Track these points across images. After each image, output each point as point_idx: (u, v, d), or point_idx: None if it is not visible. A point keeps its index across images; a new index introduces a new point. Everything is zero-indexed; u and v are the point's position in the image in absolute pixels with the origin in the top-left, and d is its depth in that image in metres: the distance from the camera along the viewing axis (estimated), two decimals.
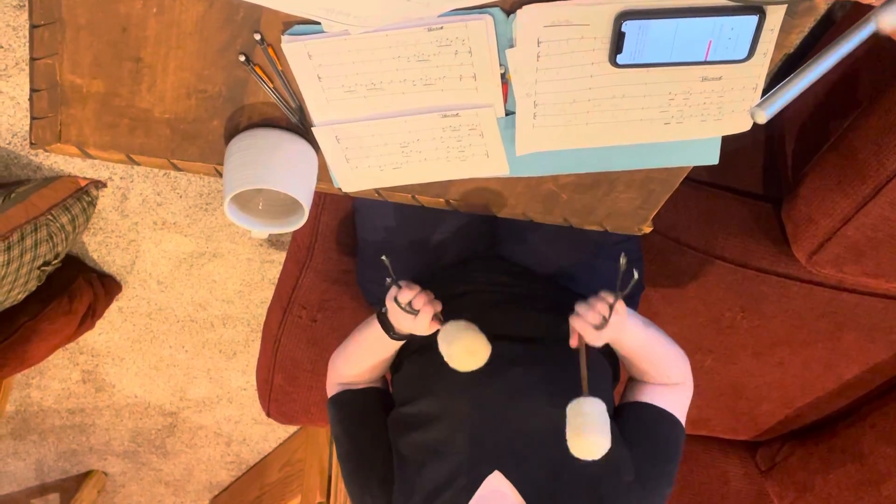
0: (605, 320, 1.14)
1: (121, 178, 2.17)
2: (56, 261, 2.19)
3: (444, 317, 1.21)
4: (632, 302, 1.51)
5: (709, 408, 2.03)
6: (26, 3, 1.78)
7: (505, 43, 0.96)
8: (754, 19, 0.91)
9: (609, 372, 1.35)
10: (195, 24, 0.95)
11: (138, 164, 1.13)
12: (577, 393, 1.19)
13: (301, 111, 1.06)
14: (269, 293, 2.54)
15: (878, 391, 1.93)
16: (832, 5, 0.96)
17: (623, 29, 0.92)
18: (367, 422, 1.33)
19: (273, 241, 2.40)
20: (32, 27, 0.96)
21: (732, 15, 0.91)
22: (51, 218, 2.05)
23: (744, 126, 1.07)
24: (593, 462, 1.17)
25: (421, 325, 1.20)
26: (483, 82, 1.01)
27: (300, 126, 1.08)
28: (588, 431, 1.10)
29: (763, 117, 0.82)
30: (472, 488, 1.15)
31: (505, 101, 1.04)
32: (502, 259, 1.47)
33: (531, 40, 0.95)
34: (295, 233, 1.73)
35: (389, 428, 1.29)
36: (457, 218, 1.39)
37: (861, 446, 1.89)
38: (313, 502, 2.73)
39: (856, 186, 1.41)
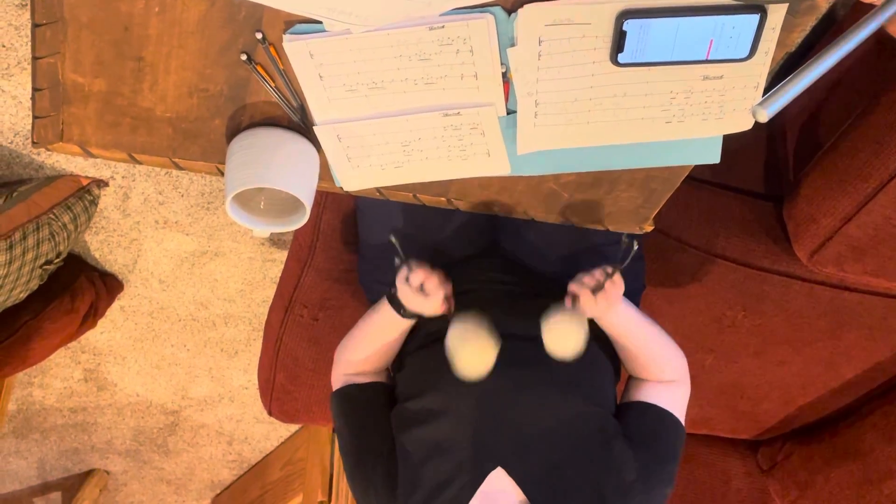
0: (602, 287, 1.17)
1: (122, 177, 2.17)
2: (58, 260, 2.19)
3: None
4: (633, 300, 1.51)
5: (710, 407, 2.03)
6: (28, 3, 1.78)
7: (506, 42, 0.96)
8: (756, 18, 0.92)
9: (610, 371, 1.35)
10: (197, 24, 0.96)
11: (140, 163, 1.13)
12: (580, 392, 1.20)
13: (302, 110, 1.06)
14: (271, 292, 2.55)
15: (879, 390, 1.93)
16: (833, 4, 0.96)
17: (624, 28, 0.92)
18: (371, 417, 1.33)
19: (274, 240, 2.40)
20: (35, 26, 0.96)
21: (734, 14, 0.91)
22: (53, 217, 2.05)
23: (745, 125, 1.07)
24: (595, 461, 1.17)
25: (433, 305, 1.21)
26: (484, 81, 1.01)
27: (302, 125, 1.08)
28: (563, 325, 1.17)
29: (764, 116, 0.82)
30: (475, 485, 1.15)
31: (506, 99, 1.04)
32: (504, 257, 1.47)
33: (532, 39, 0.95)
34: (296, 232, 1.73)
35: (393, 423, 1.29)
36: (458, 217, 1.40)
37: (862, 445, 1.89)
38: (315, 501, 2.73)
39: (857, 185, 1.41)
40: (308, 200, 1.07)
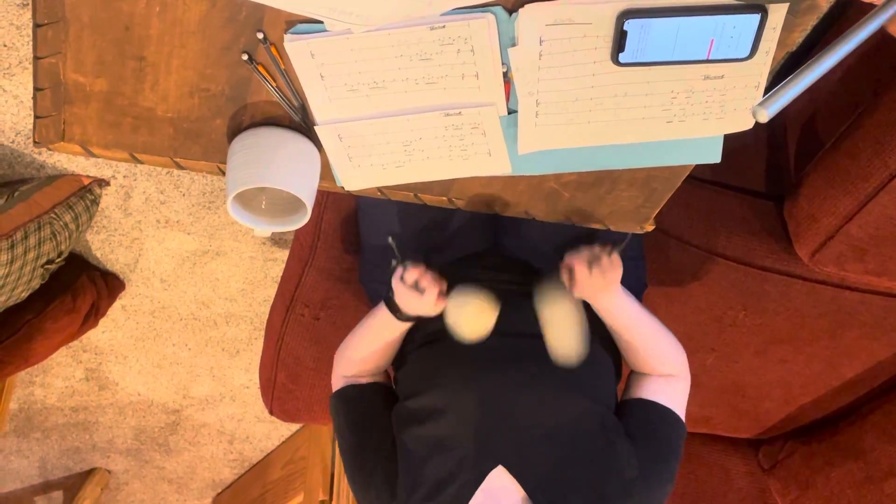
0: (598, 261, 1.19)
1: (124, 177, 2.17)
2: (59, 259, 2.20)
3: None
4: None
5: (711, 406, 2.03)
6: (30, 2, 1.78)
7: (507, 42, 0.96)
8: (756, 18, 0.92)
9: (611, 369, 1.35)
10: (198, 23, 0.96)
11: (142, 162, 1.13)
12: (582, 389, 1.20)
13: (304, 110, 1.06)
14: (272, 291, 2.55)
15: (880, 389, 1.93)
16: (834, 3, 0.96)
17: (625, 27, 0.92)
18: (371, 416, 1.33)
19: (276, 240, 2.40)
20: (36, 26, 0.96)
21: (734, 13, 0.91)
22: (54, 216, 2.06)
23: (746, 124, 1.07)
24: (596, 459, 1.18)
25: (427, 302, 1.22)
26: (485, 81, 1.01)
27: (303, 125, 1.08)
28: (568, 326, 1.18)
29: (765, 116, 0.82)
30: (476, 483, 1.15)
31: (507, 99, 1.04)
32: (504, 257, 1.47)
33: (533, 39, 0.95)
34: (298, 231, 1.73)
35: (394, 422, 1.29)
36: (459, 216, 1.40)
37: (863, 444, 1.89)
38: (316, 500, 2.73)
39: (858, 185, 1.41)
40: (309, 200, 1.08)
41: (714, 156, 1.13)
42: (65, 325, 2.38)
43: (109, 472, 3.59)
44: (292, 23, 0.95)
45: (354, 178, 1.17)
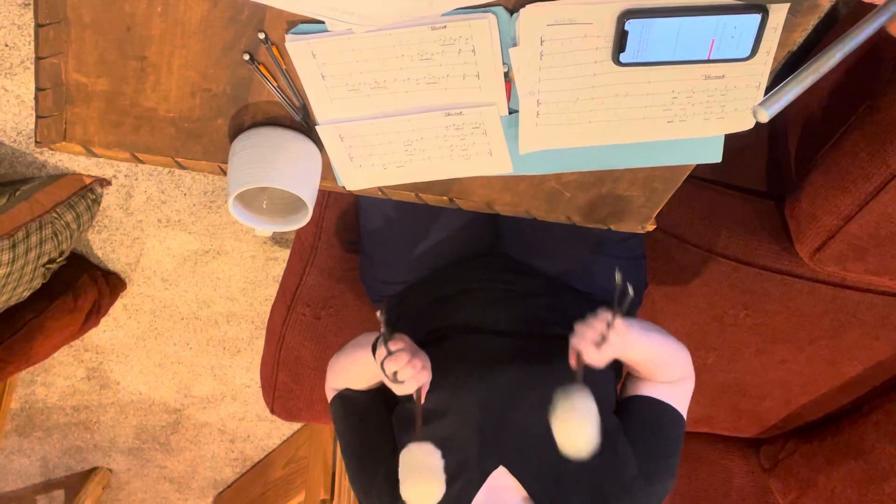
0: (604, 338, 1.12)
1: (125, 176, 2.18)
2: (61, 258, 2.20)
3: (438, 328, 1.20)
4: (635, 300, 1.52)
5: (712, 405, 2.03)
6: (31, 2, 1.78)
7: (508, 42, 0.96)
8: (757, 18, 0.92)
9: (611, 368, 1.35)
10: (200, 24, 0.96)
11: (143, 162, 1.13)
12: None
13: (305, 110, 1.06)
14: (273, 291, 2.55)
15: (881, 389, 1.93)
16: (835, 3, 0.96)
17: (626, 28, 0.92)
18: (371, 417, 1.33)
19: (277, 239, 2.41)
20: (38, 26, 0.96)
21: (735, 13, 0.91)
22: (55, 216, 2.06)
23: (747, 124, 1.07)
24: (596, 458, 1.18)
25: (402, 392, 1.16)
26: (486, 81, 1.01)
27: (304, 125, 1.08)
28: (578, 423, 1.08)
29: (765, 116, 0.82)
30: (477, 483, 1.16)
31: (508, 99, 1.04)
32: (506, 256, 1.47)
33: (534, 39, 0.95)
34: (299, 230, 1.73)
35: (394, 423, 1.29)
36: (460, 216, 1.40)
37: (864, 444, 1.89)
38: (317, 499, 2.74)
39: (859, 184, 1.41)
40: (310, 200, 1.08)
41: (715, 155, 1.13)
42: (66, 325, 2.38)
43: (111, 471, 3.59)
44: (294, 23, 0.95)
45: (355, 178, 1.17)
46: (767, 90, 1.02)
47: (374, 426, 1.31)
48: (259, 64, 1.00)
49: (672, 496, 1.26)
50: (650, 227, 1.30)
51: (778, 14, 0.93)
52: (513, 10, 0.93)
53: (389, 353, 1.12)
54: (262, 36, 0.97)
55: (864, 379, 1.90)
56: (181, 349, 2.85)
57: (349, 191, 1.19)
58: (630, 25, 0.92)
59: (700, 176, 1.68)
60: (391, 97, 1.03)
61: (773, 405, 2.02)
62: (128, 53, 0.99)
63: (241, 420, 3.25)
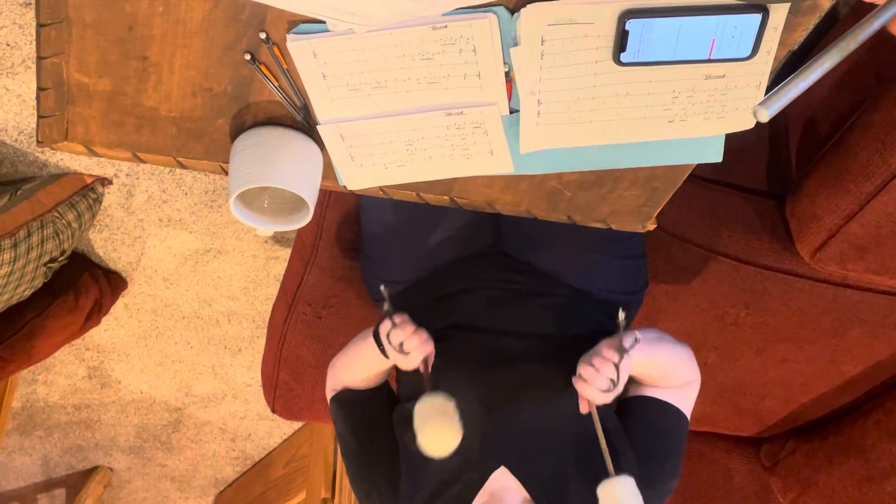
0: (614, 384, 1.12)
1: (126, 176, 2.18)
2: (62, 257, 2.20)
3: (441, 325, 1.21)
4: (636, 299, 1.52)
5: (713, 404, 2.03)
6: (32, 1, 1.79)
7: (509, 41, 0.96)
8: (758, 17, 0.92)
9: None
10: (201, 23, 0.96)
11: (144, 162, 1.13)
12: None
13: (306, 109, 1.06)
14: (274, 290, 2.55)
15: (881, 388, 1.93)
16: (835, 3, 0.97)
17: (627, 27, 0.93)
18: (372, 417, 1.34)
19: (278, 238, 2.41)
20: (39, 26, 0.96)
21: (736, 13, 0.91)
22: (57, 215, 2.06)
23: (747, 124, 1.08)
24: (598, 459, 1.18)
25: (408, 365, 1.19)
26: (487, 81, 1.01)
27: (305, 124, 1.08)
28: None
29: (765, 116, 0.82)
30: (478, 483, 1.16)
31: (509, 99, 1.04)
32: (506, 256, 1.47)
33: (535, 39, 0.95)
34: (300, 230, 1.73)
35: (395, 423, 1.29)
36: (461, 215, 1.40)
37: (864, 443, 1.89)
38: (318, 498, 2.74)
39: (859, 183, 1.41)
40: (312, 199, 1.08)
41: (715, 155, 1.13)
42: (67, 324, 2.38)
43: (112, 469, 3.60)
44: (295, 23, 0.95)
45: (357, 178, 1.17)
46: (768, 90, 1.02)
47: (374, 427, 1.32)
48: (260, 64, 1.01)
49: (673, 495, 1.27)
50: (651, 227, 1.30)
51: (778, 14, 0.93)
52: (514, 10, 0.93)
53: (394, 325, 1.16)
54: (263, 36, 0.97)
55: (865, 378, 1.90)
56: (182, 348, 2.85)
57: (350, 190, 1.20)
58: (631, 25, 0.92)
59: (701, 175, 1.68)
60: (392, 97, 1.03)
61: (773, 404, 2.03)
62: (129, 53, 0.99)
63: (242, 419, 3.26)
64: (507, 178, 1.19)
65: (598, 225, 1.30)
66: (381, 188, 1.20)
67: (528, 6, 0.92)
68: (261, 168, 1.05)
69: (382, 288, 1.19)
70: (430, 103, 1.04)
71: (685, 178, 1.21)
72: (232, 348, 2.85)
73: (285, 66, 1.00)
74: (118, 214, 2.29)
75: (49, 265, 2.16)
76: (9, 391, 2.81)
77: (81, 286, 2.36)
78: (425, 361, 1.19)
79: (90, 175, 2.15)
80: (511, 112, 1.06)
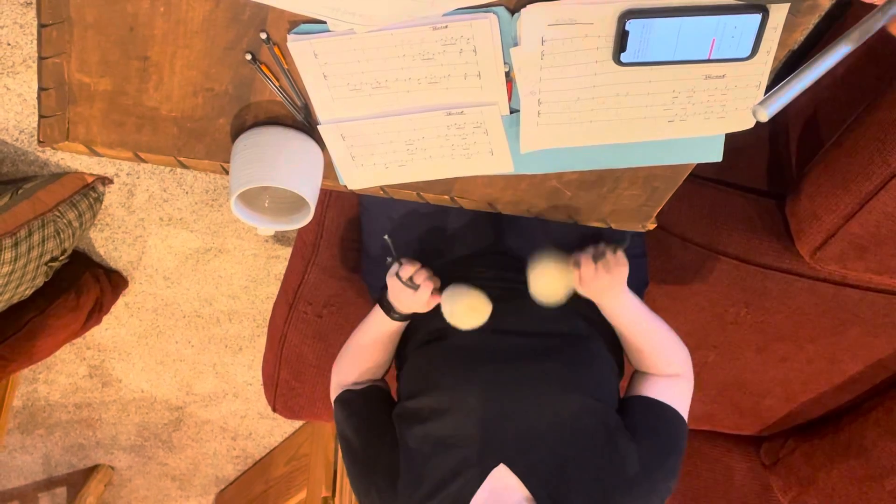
0: (603, 254, 1.21)
1: (127, 175, 2.18)
2: (63, 256, 2.20)
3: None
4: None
5: (713, 403, 2.03)
6: (33, 1, 1.79)
7: (509, 42, 0.96)
8: (757, 18, 0.92)
9: (612, 366, 1.36)
10: (202, 23, 0.96)
11: (146, 161, 1.14)
12: (584, 387, 1.21)
13: (307, 109, 1.06)
14: (275, 289, 2.55)
15: (881, 387, 1.93)
16: (835, 3, 0.97)
17: (627, 27, 0.93)
18: (371, 417, 1.34)
19: (279, 238, 2.41)
20: (41, 26, 0.96)
21: (736, 13, 0.92)
22: (58, 214, 2.06)
23: (747, 123, 1.08)
24: (598, 456, 1.18)
25: (421, 298, 1.25)
26: (487, 81, 1.01)
27: (306, 124, 1.08)
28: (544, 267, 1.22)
29: (765, 116, 0.82)
30: (478, 481, 1.16)
31: (509, 99, 1.04)
32: (507, 255, 1.47)
33: (535, 39, 0.95)
34: (301, 229, 1.73)
35: (396, 422, 1.29)
36: (461, 214, 1.40)
37: (864, 442, 1.89)
38: (319, 497, 2.74)
39: (859, 183, 1.41)
40: (312, 199, 1.08)
41: (715, 155, 1.14)
42: (68, 323, 2.39)
43: (113, 468, 3.60)
44: (295, 23, 0.96)
45: (357, 177, 1.17)
46: (767, 90, 1.02)
47: (375, 426, 1.32)
48: (261, 63, 1.01)
49: (674, 493, 1.27)
50: (651, 226, 1.31)
51: (778, 14, 0.93)
52: (514, 10, 0.93)
53: (401, 265, 1.25)
54: (264, 36, 0.97)
55: (865, 377, 1.91)
56: (183, 347, 2.85)
57: (351, 190, 1.20)
58: (631, 25, 0.92)
59: (701, 175, 1.68)
60: (393, 97, 1.03)
61: (773, 403, 2.03)
62: (130, 53, 0.99)
63: (243, 418, 3.26)
64: (507, 177, 1.19)
65: (599, 224, 1.30)
66: (381, 188, 1.20)
67: (528, 6, 0.92)
68: (261, 168, 1.06)
69: (387, 237, 1.26)
70: (430, 103, 1.04)
71: (685, 177, 1.21)
72: (233, 347, 2.85)
73: (286, 66, 1.01)
74: (119, 213, 2.30)
75: (50, 264, 2.16)
76: (10, 390, 2.81)
77: (82, 285, 2.36)
78: (436, 291, 1.27)
79: (91, 174, 2.15)
80: (511, 112, 1.06)
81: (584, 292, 1.26)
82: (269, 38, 0.97)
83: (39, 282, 2.19)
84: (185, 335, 2.79)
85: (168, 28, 0.97)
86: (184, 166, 1.15)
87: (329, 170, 1.16)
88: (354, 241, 1.64)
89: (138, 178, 2.19)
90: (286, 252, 2.45)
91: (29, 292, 2.19)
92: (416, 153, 1.12)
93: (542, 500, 1.13)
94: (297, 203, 1.14)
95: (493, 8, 0.93)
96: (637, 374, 1.37)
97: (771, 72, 1.01)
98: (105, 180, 2.18)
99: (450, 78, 1.01)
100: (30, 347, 2.33)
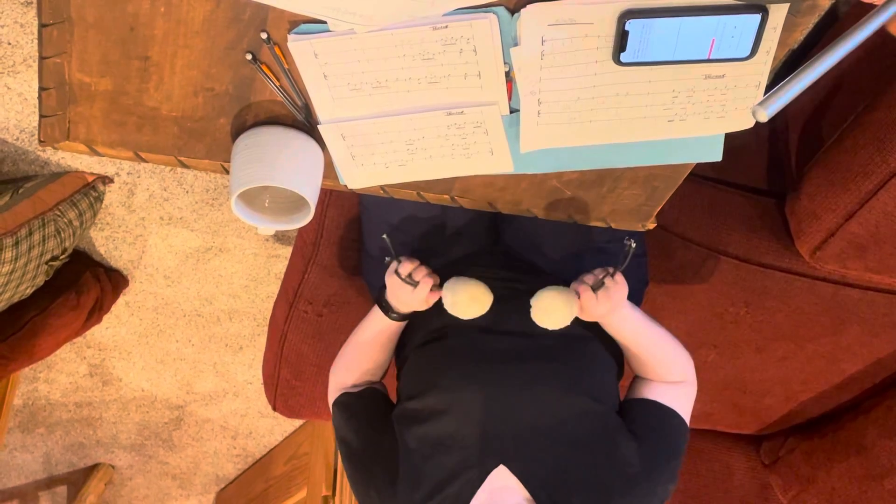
0: (603, 284, 1.21)
1: (128, 174, 2.18)
2: (63, 256, 2.21)
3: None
4: (636, 297, 1.52)
5: (713, 402, 2.03)
6: (34, 0, 1.79)
7: (509, 41, 0.97)
8: (757, 18, 0.92)
9: (613, 367, 1.36)
10: (202, 23, 0.96)
11: (146, 161, 1.14)
12: (584, 388, 1.21)
13: (307, 109, 1.06)
14: (275, 288, 2.56)
15: (880, 386, 1.93)
16: (835, 2, 0.97)
17: (626, 27, 0.93)
18: (371, 418, 1.34)
19: (279, 237, 2.41)
20: (42, 26, 0.97)
21: (735, 13, 0.92)
22: (58, 213, 2.06)
23: (747, 123, 1.08)
24: (599, 458, 1.18)
25: (420, 295, 1.25)
26: (487, 80, 1.01)
27: (306, 124, 1.08)
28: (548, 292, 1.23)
29: (764, 116, 0.82)
30: (478, 481, 1.16)
31: (509, 98, 1.04)
32: (507, 255, 1.48)
33: (535, 39, 0.95)
34: (301, 228, 1.74)
35: (395, 422, 1.29)
36: (462, 214, 1.40)
37: (864, 440, 1.90)
38: (319, 496, 2.74)
39: (859, 182, 1.42)
40: (313, 199, 1.08)
41: (715, 154, 1.14)
42: (69, 322, 2.39)
43: (113, 467, 3.60)
44: (296, 23, 0.96)
45: (357, 177, 1.17)
46: (767, 89, 1.02)
47: (375, 428, 1.32)
48: (261, 63, 1.01)
49: (673, 493, 1.27)
50: (651, 226, 1.31)
51: (778, 14, 0.93)
52: (514, 10, 0.93)
53: (400, 262, 1.26)
54: (264, 36, 0.97)
55: (864, 376, 1.91)
56: (183, 346, 2.85)
57: (351, 189, 1.20)
58: (630, 25, 0.93)
59: (700, 174, 1.69)
60: (393, 96, 1.03)
61: (773, 402, 2.03)
62: (131, 53, 0.99)
63: (244, 416, 3.26)
64: (507, 177, 1.19)
65: (599, 224, 1.30)
66: (381, 187, 1.20)
67: (528, 6, 0.92)
68: (262, 167, 1.06)
69: (384, 236, 1.26)
70: (430, 103, 1.04)
71: (685, 177, 1.21)
72: (233, 346, 2.85)
73: (286, 66, 1.01)
74: (119, 213, 2.30)
75: (50, 263, 2.16)
76: (10, 389, 2.81)
77: (83, 284, 2.36)
78: (435, 287, 1.28)
79: (91, 173, 2.15)
80: (511, 112, 1.06)
81: (587, 318, 1.27)
82: (269, 38, 0.98)
83: (40, 281, 2.19)
84: (186, 334, 2.80)
85: (169, 28, 0.97)
86: (184, 166, 1.15)
87: (329, 169, 1.16)
88: (355, 240, 1.65)
89: (139, 177, 2.19)
90: (286, 251, 2.45)
91: (29, 291, 2.19)
92: (416, 153, 1.12)
93: (541, 502, 1.13)
94: (298, 202, 1.15)
95: (493, 8, 0.93)
96: (639, 379, 1.37)
97: (771, 72, 1.01)
98: (105, 179, 2.18)
99: (450, 78, 1.01)
100: (30, 346, 2.33)
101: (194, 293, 2.61)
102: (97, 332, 2.77)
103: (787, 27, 0.96)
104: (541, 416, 1.20)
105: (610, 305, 1.22)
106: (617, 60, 0.97)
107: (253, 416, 3.26)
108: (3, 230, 1.93)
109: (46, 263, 2.14)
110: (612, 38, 0.96)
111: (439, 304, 1.30)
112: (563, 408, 1.21)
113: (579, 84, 1.01)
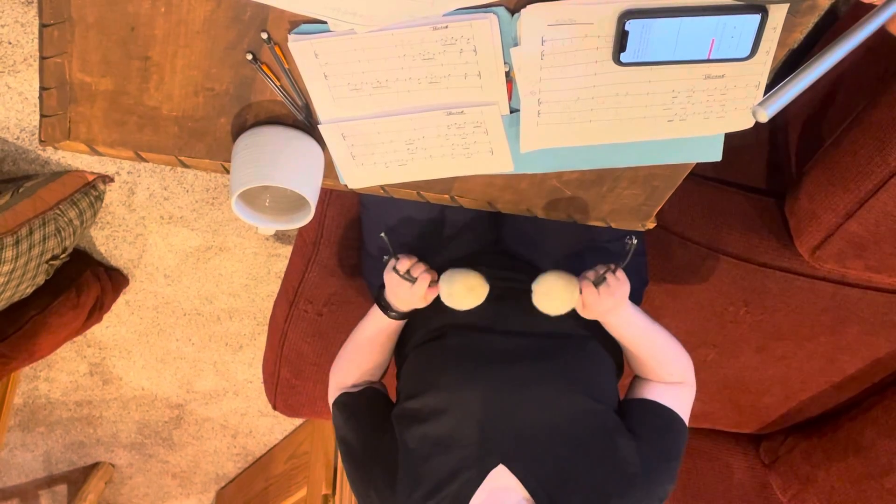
0: (605, 279, 1.22)
1: (128, 173, 2.18)
2: (64, 255, 2.21)
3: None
4: (636, 296, 1.52)
5: (712, 401, 2.04)
6: (34, 0, 1.79)
7: (509, 41, 0.97)
8: (757, 18, 0.92)
9: (612, 366, 1.36)
10: (203, 23, 0.96)
11: (147, 161, 1.14)
12: (583, 388, 1.21)
13: (307, 109, 1.07)
14: (275, 287, 2.56)
15: (880, 385, 1.93)
16: (835, 2, 0.97)
17: (626, 28, 0.93)
18: (370, 418, 1.34)
19: (279, 236, 2.41)
20: (42, 26, 0.97)
21: (735, 14, 0.92)
22: (59, 212, 2.07)
23: (747, 123, 1.08)
24: (597, 457, 1.18)
25: (418, 291, 1.26)
26: (488, 80, 1.01)
27: (306, 123, 1.09)
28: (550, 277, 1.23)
29: (764, 116, 0.83)
30: (477, 481, 1.16)
31: (509, 98, 1.04)
32: (507, 254, 1.48)
33: (535, 39, 0.96)
34: (301, 228, 1.74)
35: (394, 422, 1.30)
36: (462, 214, 1.40)
37: (863, 440, 1.90)
38: (319, 494, 2.75)
39: (858, 182, 1.42)
40: (313, 198, 1.08)
41: (715, 154, 1.14)
42: (69, 321, 2.39)
43: (113, 466, 3.60)
44: (296, 23, 0.96)
45: (358, 177, 1.17)
46: (767, 89, 1.02)
47: (374, 428, 1.32)
48: (262, 63, 1.01)
49: (673, 492, 1.27)
50: (650, 225, 1.31)
51: (777, 14, 0.93)
52: (514, 11, 0.93)
53: (398, 259, 1.27)
54: (264, 36, 0.97)
55: (864, 375, 1.91)
56: (183, 345, 2.85)
57: (351, 189, 1.20)
58: (630, 25, 0.93)
59: (700, 174, 1.69)
60: (393, 96, 1.03)
61: (773, 401, 2.03)
62: (131, 53, 1.00)
63: (244, 415, 3.26)
64: (507, 177, 1.19)
65: (598, 223, 1.30)
66: (381, 187, 1.21)
67: (528, 6, 0.92)
68: (262, 167, 1.06)
69: (383, 235, 1.28)
70: (430, 103, 1.05)
71: (685, 176, 1.21)
72: (233, 345, 2.86)
73: (287, 66, 1.01)
74: (120, 212, 2.30)
75: (51, 262, 2.16)
76: (10, 388, 2.82)
77: (83, 283, 2.36)
78: (433, 283, 1.28)
79: (92, 173, 2.16)
80: (511, 111, 1.06)
81: (588, 316, 1.26)
82: (269, 38, 0.98)
83: (40, 280, 2.19)
84: (186, 333, 2.80)
85: (169, 28, 0.97)
86: (185, 165, 1.15)
87: (329, 169, 1.16)
88: (355, 239, 1.65)
89: (139, 176, 2.19)
90: (287, 250, 2.45)
91: (30, 290, 2.19)
92: (416, 152, 1.12)
93: (541, 501, 1.13)
94: (298, 202, 1.15)
95: (493, 8, 0.93)
96: (638, 379, 1.38)
97: (770, 72, 1.01)
98: (106, 179, 2.18)
99: (450, 78, 1.01)
100: (31, 345, 2.33)
101: (194, 292, 2.61)
102: (97, 331, 2.77)
103: (787, 27, 0.96)
104: (540, 415, 1.20)
105: (612, 302, 1.22)
106: (617, 60, 0.97)
107: (253, 414, 3.26)
108: (4, 229, 1.93)
109: (47, 262, 2.14)
110: (612, 38, 0.96)
111: (439, 303, 1.30)
112: (562, 407, 1.21)
113: (579, 84, 1.02)
